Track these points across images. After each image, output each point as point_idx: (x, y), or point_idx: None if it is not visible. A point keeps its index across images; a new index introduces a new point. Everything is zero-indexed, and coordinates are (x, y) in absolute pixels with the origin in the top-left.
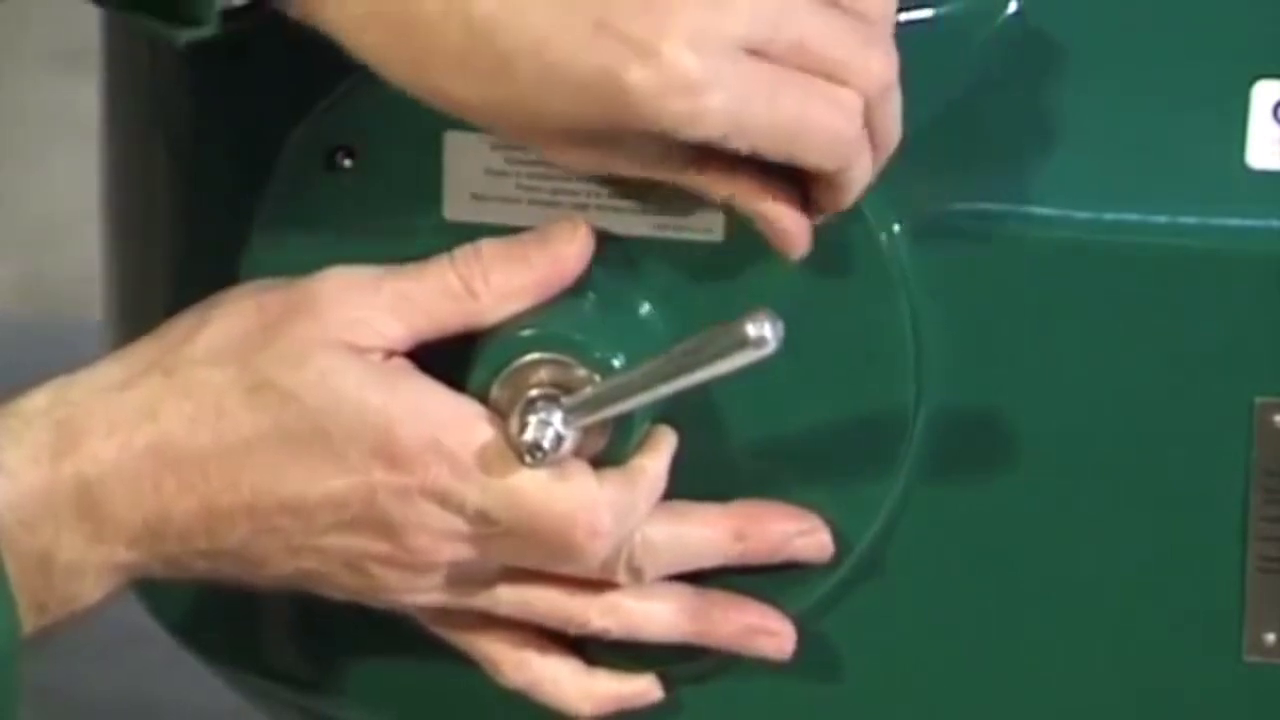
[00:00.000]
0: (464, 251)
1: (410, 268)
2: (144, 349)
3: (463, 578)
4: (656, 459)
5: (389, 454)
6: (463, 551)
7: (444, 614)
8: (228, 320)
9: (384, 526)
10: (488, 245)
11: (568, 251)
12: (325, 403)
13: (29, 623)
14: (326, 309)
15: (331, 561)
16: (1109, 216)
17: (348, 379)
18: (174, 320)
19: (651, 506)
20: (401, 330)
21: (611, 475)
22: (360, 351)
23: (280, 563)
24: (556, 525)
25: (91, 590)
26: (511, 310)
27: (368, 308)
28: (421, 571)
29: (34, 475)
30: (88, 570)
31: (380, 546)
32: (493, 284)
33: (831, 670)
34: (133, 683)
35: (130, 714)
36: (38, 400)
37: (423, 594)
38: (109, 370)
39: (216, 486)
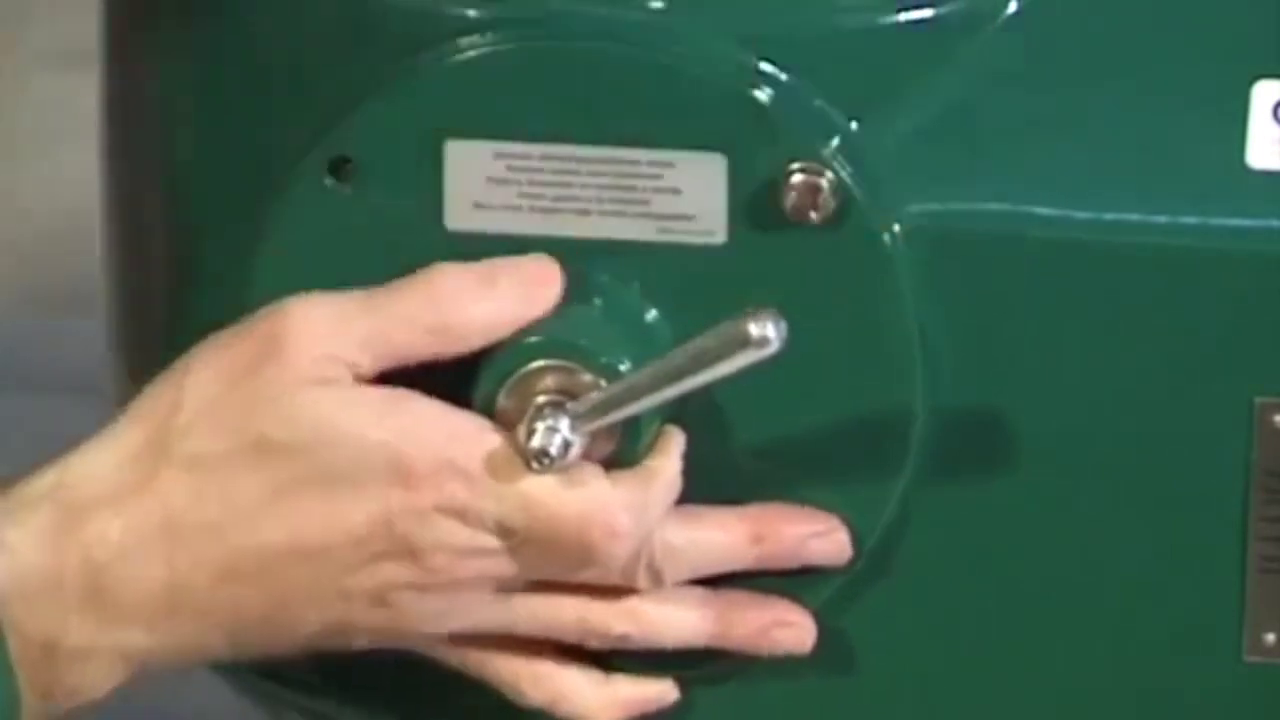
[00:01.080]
0: (434, 275)
1: (379, 296)
2: (134, 429)
3: (486, 597)
4: (668, 459)
5: (403, 476)
6: (484, 566)
7: (462, 644)
8: (204, 388)
9: (407, 552)
10: (454, 271)
11: (540, 291)
12: (328, 442)
13: (32, 709)
14: (298, 350)
15: (357, 603)
16: (1109, 216)
17: (344, 413)
18: (151, 392)
19: (668, 506)
20: (370, 363)
21: (624, 476)
22: (341, 383)
23: (304, 619)
24: (574, 527)
25: (98, 679)
26: (489, 340)
27: (337, 342)
28: (446, 593)
29: (38, 558)
30: (96, 656)
31: (404, 573)
32: (461, 313)
33: (840, 669)
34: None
35: (130, 714)
36: (37, 484)
37: (448, 619)
38: (104, 453)
39: (233, 553)
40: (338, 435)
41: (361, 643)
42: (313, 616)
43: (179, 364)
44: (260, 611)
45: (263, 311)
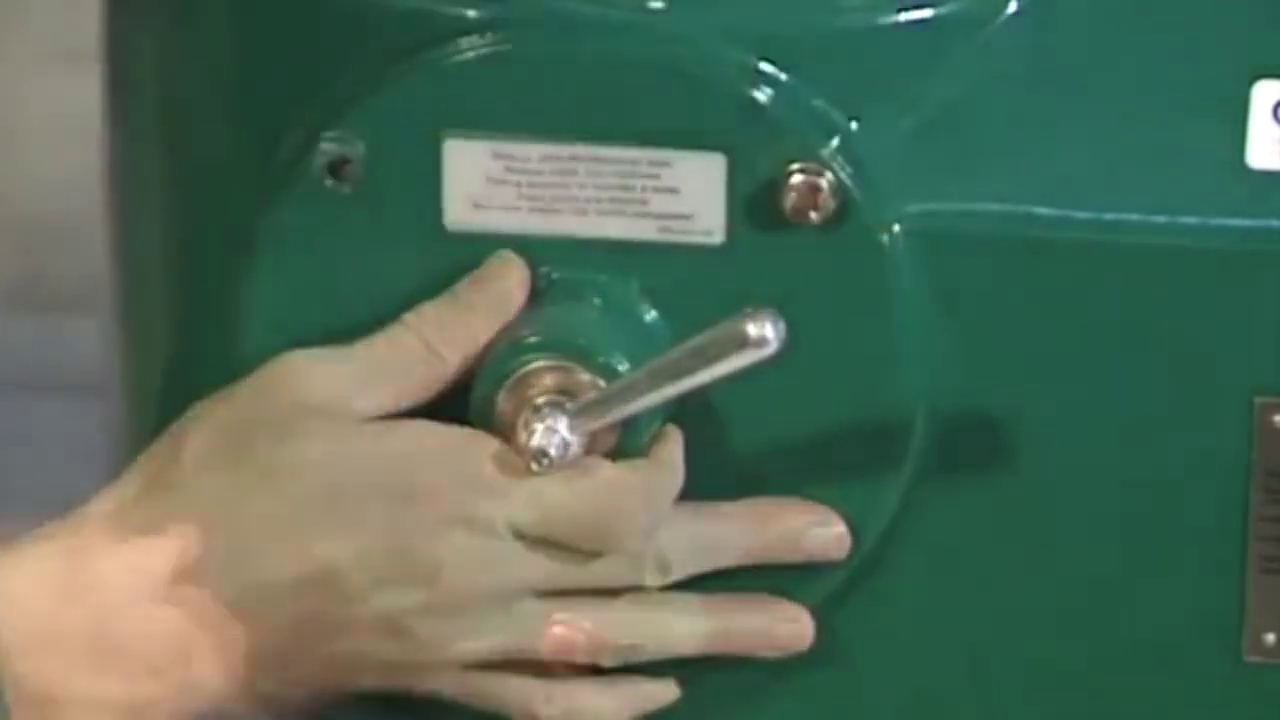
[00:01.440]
0: (412, 317)
1: (366, 341)
2: (137, 478)
3: (499, 614)
4: (669, 448)
5: (407, 494)
6: (498, 578)
7: (471, 677)
8: (205, 431)
9: (417, 572)
10: (430, 306)
11: (508, 283)
12: (331, 468)
13: None
14: (297, 389)
15: (367, 632)
16: (1109, 216)
17: (345, 439)
18: (152, 447)
19: (673, 494)
20: (370, 401)
21: (629, 463)
22: (341, 414)
23: (313, 654)
24: (586, 515)
25: None
26: (469, 359)
27: (335, 381)
28: (461, 613)
29: (40, 606)
30: (98, 711)
31: (416, 595)
32: (451, 340)
33: (838, 666)
34: None
35: None
36: (41, 532)
37: (463, 642)
38: (107, 501)
39: (242, 587)
40: (341, 460)
41: (371, 679)
42: (322, 650)
43: (177, 422)
44: (271, 648)
45: (259, 368)
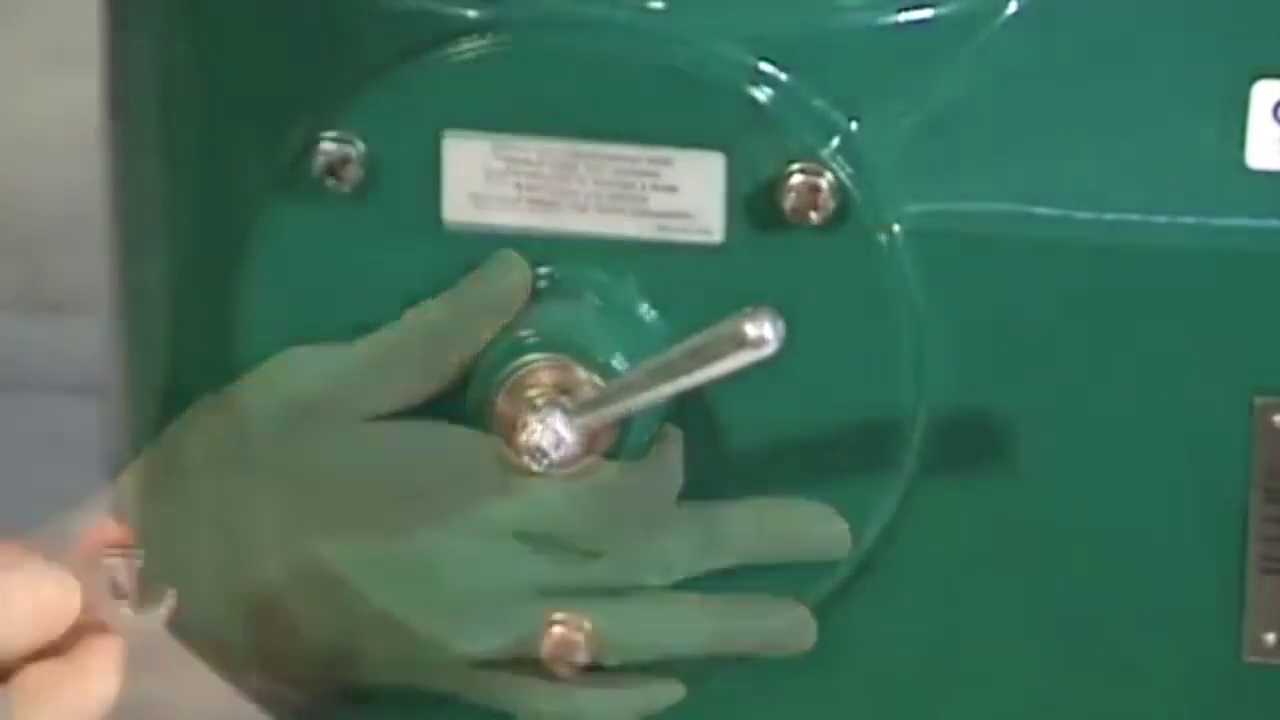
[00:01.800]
0: (412, 316)
1: (364, 343)
2: (133, 480)
3: (501, 614)
4: (668, 449)
5: (408, 492)
6: (498, 577)
7: (472, 676)
8: (204, 430)
9: (422, 571)
10: (432, 305)
11: (510, 283)
12: (331, 463)
13: None
14: (296, 387)
15: (367, 632)
16: (1109, 216)
17: (345, 436)
18: (150, 450)
19: (674, 493)
20: (370, 401)
21: (628, 464)
22: (340, 414)
23: (314, 656)
24: (586, 515)
25: None
26: (469, 359)
27: (334, 377)
28: (461, 613)
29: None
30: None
31: (417, 595)
32: (451, 339)
33: (838, 666)
34: (133, 683)
35: (130, 713)
36: (40, 533)
37: (463, 642)
38: (105, 502)
39: (242, 587)
40: (341, 460)
41: (371, 678)
42: (322, 650)
43: (177, 421)
44: (271, 648)
45: (259, 367)
